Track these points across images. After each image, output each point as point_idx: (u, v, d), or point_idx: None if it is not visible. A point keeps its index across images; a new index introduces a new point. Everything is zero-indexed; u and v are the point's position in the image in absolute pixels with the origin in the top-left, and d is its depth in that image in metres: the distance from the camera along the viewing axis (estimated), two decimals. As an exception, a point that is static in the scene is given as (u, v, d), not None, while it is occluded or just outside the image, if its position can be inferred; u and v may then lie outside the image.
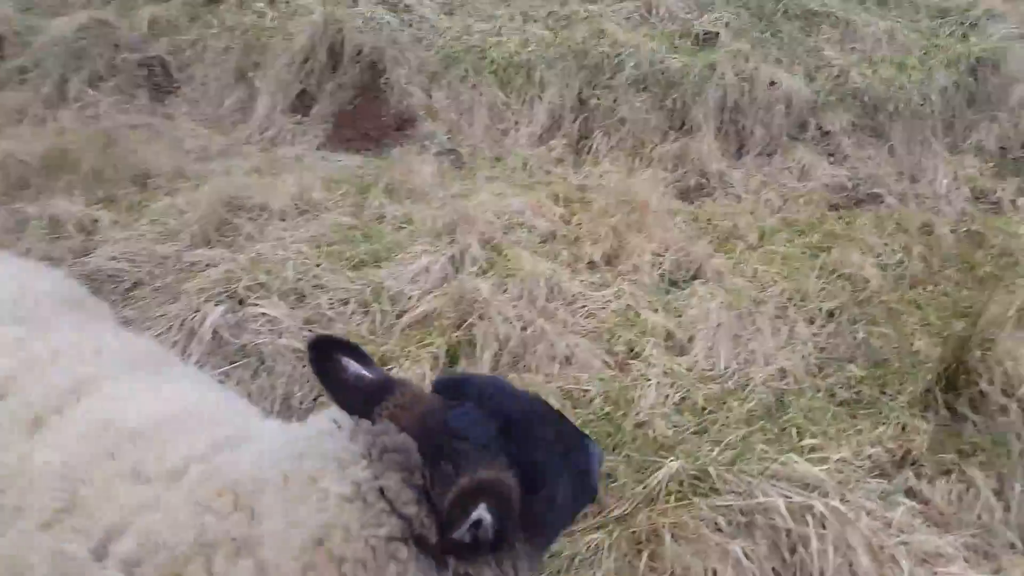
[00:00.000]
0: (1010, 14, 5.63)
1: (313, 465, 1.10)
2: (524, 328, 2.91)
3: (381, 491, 1.06)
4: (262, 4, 6.29)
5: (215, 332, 2.91)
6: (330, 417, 1.19)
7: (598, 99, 5.31)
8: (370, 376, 1.22)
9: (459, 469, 1.04)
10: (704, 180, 4.73)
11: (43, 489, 1.12)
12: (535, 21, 6.16)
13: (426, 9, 6.38)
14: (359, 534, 1.04)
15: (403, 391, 1.19)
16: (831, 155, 4.83)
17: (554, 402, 2.61)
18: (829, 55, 5.34)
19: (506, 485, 1.03)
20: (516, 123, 5.48)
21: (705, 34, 5.73)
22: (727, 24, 5.80)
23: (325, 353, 1.23)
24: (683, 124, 5.12)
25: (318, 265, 3.49)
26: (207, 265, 3.43)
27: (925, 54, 5.27)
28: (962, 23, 5.65)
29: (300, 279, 3.33)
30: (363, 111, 5.57)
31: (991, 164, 4.53)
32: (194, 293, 3.04)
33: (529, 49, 5.69)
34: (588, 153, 5.16)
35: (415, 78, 5.68)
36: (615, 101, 5.27)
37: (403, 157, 5.00)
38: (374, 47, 5.55)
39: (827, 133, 4.90)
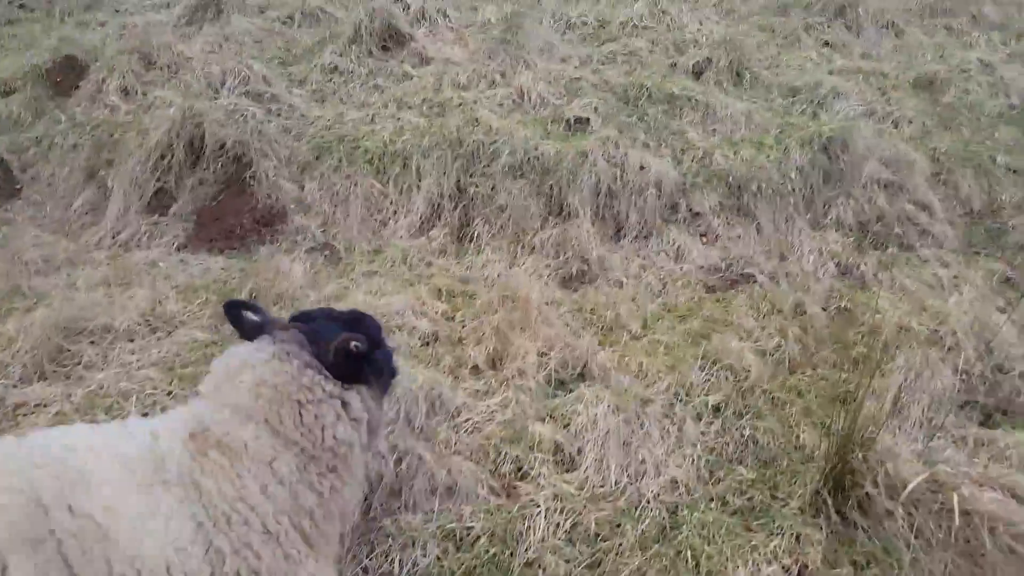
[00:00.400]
0: (852, 92, 6.07)
1: (239, 362, 1.88)
2: (400, 460, 2.68)
3: (288, 353, 1.87)
4: (115, 98, 5.91)
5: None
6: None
7: (476, 187, 5.24)
8: (258, 318, 2.01)
9: (331, 342, 1.86)
10: (585, 266, 4.70)
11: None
12: (409, 108, 6.09)
13: (295, 98, 6.21)
14: (281, 368, 1.84)
15: (279, 323, 2.01)
16: (703, 235, 4.93)
17: (432, 548, 2.39)
18: (693, 137, 5.54)
19: (361, 334, 1.91)
20: (395, 213, 5.32)
21: (576, 120, 5.83)
22: (596, 109, 5.93)
23: (234, 309, 2.02)
24: (561, 210, 5.11)
25: (169, 393, 3.15)
26: (36, 406, 3.00)
27: (781, 132, 5.55)
28: (812, 101, 6.03)
29: (146, 413, 2.97)
30: (228, 207, 5.25)
31: (851, 239, 4.75)
32: (13, 449, 2.61)
33: (404, 138, 5.59)
34: (470, 242, 5.05)
35: (284, 170, 5.44)
36: (493, 188, 5.21)
37: (271, 256, 4.72)
38: (238, 140, 5.28)
39: (697, 214, 5.02)
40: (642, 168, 5.12)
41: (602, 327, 4.05)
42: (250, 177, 5.27)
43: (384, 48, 7.00)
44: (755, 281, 4.47)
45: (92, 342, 3.54)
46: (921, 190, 4.97)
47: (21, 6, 7.69)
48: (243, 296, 4.09)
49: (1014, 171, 5.15)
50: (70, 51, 6.27)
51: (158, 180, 5.26)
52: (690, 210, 5.05)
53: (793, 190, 5.03)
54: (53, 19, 7.60)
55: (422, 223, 5.22)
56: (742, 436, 3.09)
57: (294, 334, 1.91)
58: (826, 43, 7.34)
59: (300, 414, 1.79)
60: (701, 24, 7.77)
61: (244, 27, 7.49)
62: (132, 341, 3.60)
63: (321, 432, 1.81)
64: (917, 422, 3.02)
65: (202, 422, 1.76)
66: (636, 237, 4.95)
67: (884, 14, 7.67)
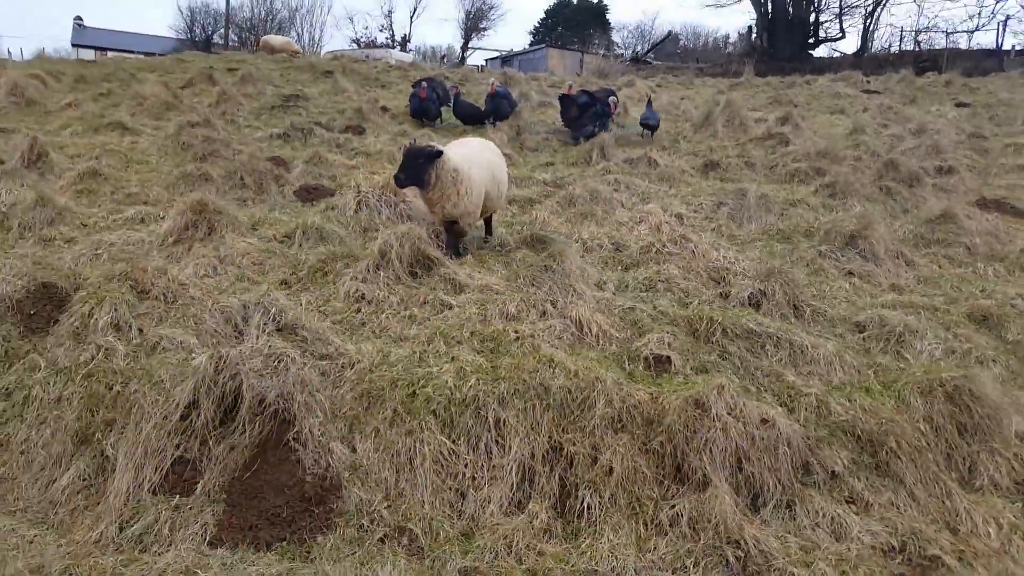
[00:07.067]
0: (921, 329, 5.85)
1: None
2: None
3: None
4: (111, 337, 4.81)
5: None
6: None
7: (574, 444, 4.42)
8: None
9: None
10: (740, 552, 3.87)
11: None
12: (459, 343, 5.34)
13: (325, 327, 5.33)
14: None
15: None
16: (850, 502, 4.26)
17: None
18: (794, 381, 5.04)
19: None
20: (472, 479, 4.36)
21: (655, 358, 5.26)
22: (670, 345, 5.41)
23: None
24: (678, 473, 4.34)
25: None
26: None
27: (877, 376, 5.16)
28: (886, 339, 5.75)
29: None
30: (266, 480, 4.14)
31: (1018, 504, 4.22)
32: None
33: (470, 383, 4.77)
34: (578, 518, 4.13)
35: (331, 427, 4.44)
36: (594, 447, 4.41)
37: (339, 551, 3.62)
38: (280, 394, 4.30)
39: (835, 475, 4.38)
40: (764, 421, 4.50)
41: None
42: (293, 439, 4.23)
43: (412, 274, 6.35)
44: (943, 564, 3.78)
45: None
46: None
47: (-31, 218, 6.56)
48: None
49: None
50: (46, 277, 5.18)
51: (177, 447, 4.13)
52: (825, 469, 4.40)
53: (929, 445, 4.52)
54: (10, 233, 6.50)
55: (512, 494, 4.28)
56: None
57: None
58: (849, 272, 7.34)
59: None
60: (718, 251, 7.67)
61: (240, 247, 6.69)
62: None
63: None
64: None
65: None
66: (776, 507, 4.21)
67: (886, 244, 7.86)
